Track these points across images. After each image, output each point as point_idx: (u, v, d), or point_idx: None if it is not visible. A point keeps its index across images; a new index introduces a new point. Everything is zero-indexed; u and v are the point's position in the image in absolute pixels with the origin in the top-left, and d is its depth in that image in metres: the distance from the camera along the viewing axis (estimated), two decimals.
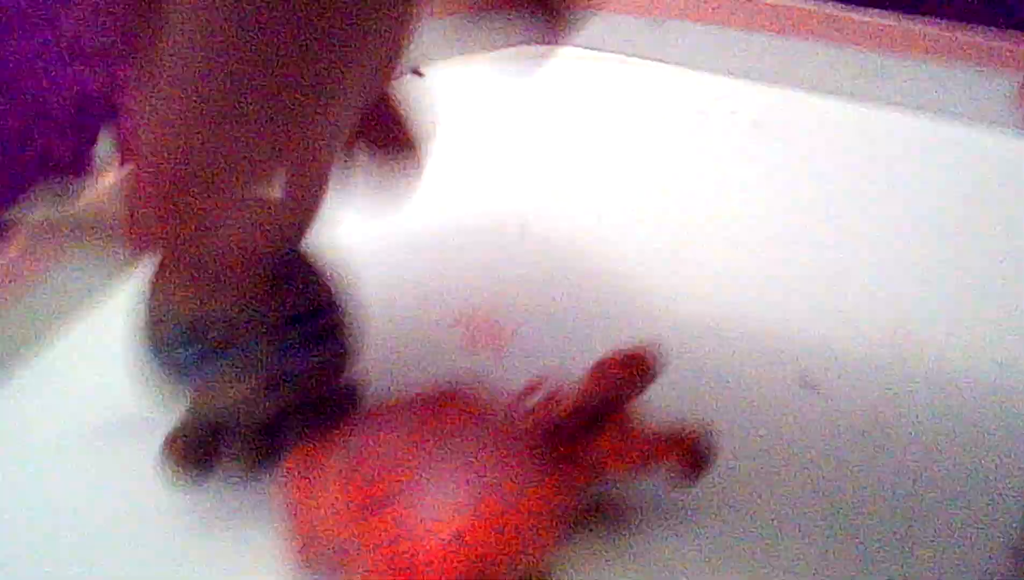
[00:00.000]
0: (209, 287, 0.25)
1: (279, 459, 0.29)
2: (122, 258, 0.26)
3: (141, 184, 0.20)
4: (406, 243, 0.29)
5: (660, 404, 0.25)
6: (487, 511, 0.22)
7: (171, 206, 0.20)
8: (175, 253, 0.22)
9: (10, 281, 0.34)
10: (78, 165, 0.39)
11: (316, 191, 0.24)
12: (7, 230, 0.35)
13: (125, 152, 0.34)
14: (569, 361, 0.26)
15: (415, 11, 0.20)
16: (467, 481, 0.23)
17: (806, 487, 0.28)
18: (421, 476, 0.23)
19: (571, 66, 0.49)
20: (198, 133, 0.18)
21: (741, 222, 0.38)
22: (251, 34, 0.17)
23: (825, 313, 0.34)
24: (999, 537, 0.26)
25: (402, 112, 0.24)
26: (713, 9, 0.46)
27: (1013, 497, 0.27)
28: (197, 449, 0.29)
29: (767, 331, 0.33)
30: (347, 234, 0.28)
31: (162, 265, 0.26)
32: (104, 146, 0.37)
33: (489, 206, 0.40)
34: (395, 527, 0.22)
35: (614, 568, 0.26)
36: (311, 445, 0.26)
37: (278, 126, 0.19)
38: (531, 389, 0.26)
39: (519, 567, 0.23)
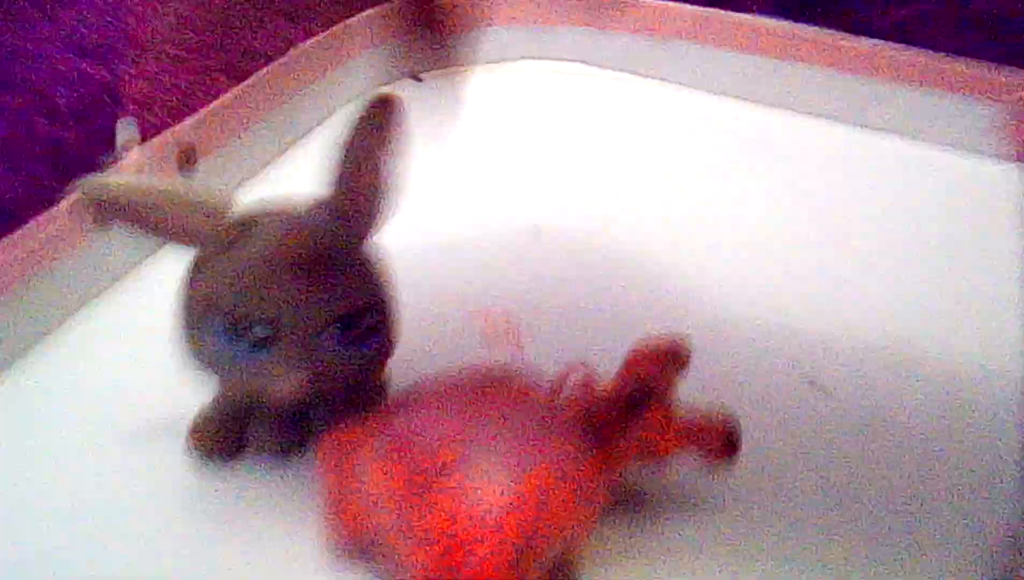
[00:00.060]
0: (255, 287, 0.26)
1: (306, 446, 0.30)
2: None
3: None
4: (424, 243, 0.30)
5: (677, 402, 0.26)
6: (533, 488, 0.23)
7: None
8: None
9: (31, 266, 0.34)
10: (85, 154, 0.40)
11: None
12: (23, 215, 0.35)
13: None
14: (583, 354, 0.27)
15: None
16: (513, 460, 0.23)
17: (814, 480, 0.29)
18: (467, 454, 0.23)
19: (575, 81, 0.50)
20: None
21: (737, 230, 0.40)
22: None
23: (825, 320, 0.35)
24: (997, 526, 0.27)
25: None
26: (712, 31, 0.48)
27: (1008, 488, 0.28)
28: (224, 435, 0.30)
29: (775, 334, 0.34)
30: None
31: (204, 257, 0.27)
32: (125, 131, 0.37)
33: (503, 210, 0.41)
34: (444, 502, 0.22)
35: (634, 552, 0.26)
36: (347, 429, 0.27)
37: None
38: (563, 378, 0.27)
39: (562, 543, 0.23)
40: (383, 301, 0.28)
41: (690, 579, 0.26)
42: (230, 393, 0.29)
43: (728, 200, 0.42)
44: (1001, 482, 0.29)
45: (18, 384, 0.33)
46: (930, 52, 0.44)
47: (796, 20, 0.46)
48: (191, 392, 0.30)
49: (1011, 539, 0.27)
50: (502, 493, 0.22)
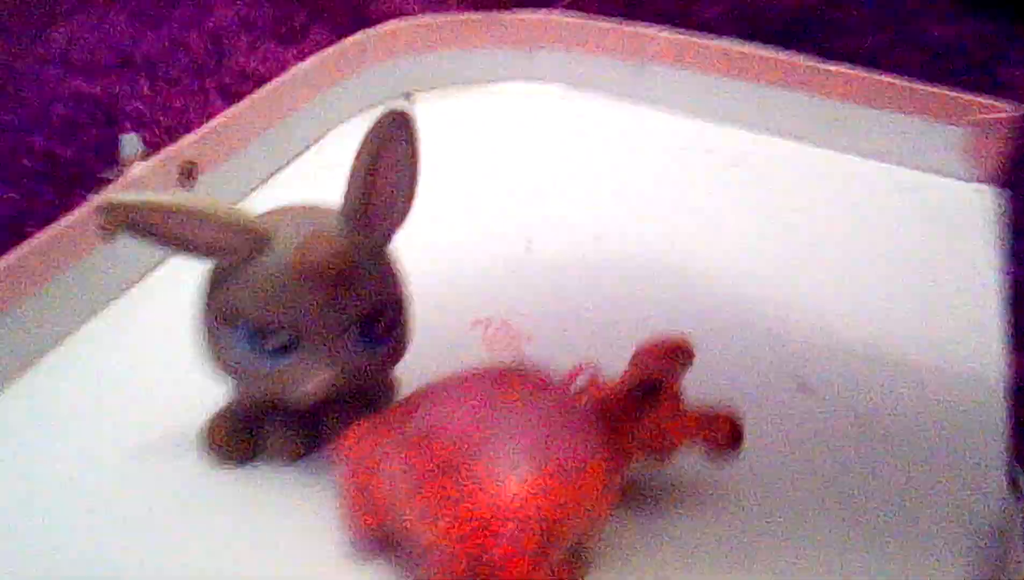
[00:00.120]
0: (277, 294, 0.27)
1: (319, 448, 0.30)
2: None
3: None
4: (423, 257, 0.31)
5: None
6: (552, 474, 0.24)
7: None
8: None
9: (42, 274, 0.34)
10: (81, 168, 0.40)
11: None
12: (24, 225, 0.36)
13: None
14: (581, 359, 0.29)
15: None
16: (532, 447, 0.24)
17: (804, 476, 0.30)
18: (488, 444, 0.24)
19: (560, 102, 0.52)
20: None
21: (721, 245, 0.41)
22: None
23: (810, 327, 0.37)
24: (980, 518, 0.29)
25: None
26: (694, 56, 0.50)
27: (987, 481, 0.30)
28: (239, 437, 0.30)
29: (763, 342, 0.36)
30: None
31: (224, 270, 0.27)
32: (128, 146, 0.38)
33: (497, 224, 0.42)
34: (468, 488, 0.23)
35: (638, 544, 0.28)
36: (364, 426, 0.27)
37: None
38: (573, 375, 0.28)
39: (580, 528, 0.24)
40: (399, 300, 0.29)
41: (690, 568, 0.27)
42: (247, 397, 0.30)
43: (710, 217, 0.43)
44: (980, 475, 0.30)
45: (34, 387, 0.33)
46: (900, 77, 0.46)
47: (774, 46, 0.48)
48: (205, 396, 0.31)
49: (996, 530, 0.28)
50: (524, 480, 0.23)
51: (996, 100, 0.44)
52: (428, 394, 0.27)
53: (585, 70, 0.52)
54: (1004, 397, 0.33)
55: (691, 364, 0.27)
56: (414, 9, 0.54)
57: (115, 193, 0.27)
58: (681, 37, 0.50)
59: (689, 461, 0.28)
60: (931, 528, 0.29)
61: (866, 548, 0.28)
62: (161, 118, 0.44)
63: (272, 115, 0.45)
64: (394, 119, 0.27)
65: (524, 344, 0.35)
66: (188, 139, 0.40)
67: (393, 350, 0.29)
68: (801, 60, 0.48)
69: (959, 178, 0.46)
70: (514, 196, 0.44)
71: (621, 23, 0.51)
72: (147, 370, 0.34)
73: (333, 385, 0.27)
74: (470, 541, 0.23)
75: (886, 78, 0.46)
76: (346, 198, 0.28)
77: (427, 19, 0.50)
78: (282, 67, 0.47)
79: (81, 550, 0.28)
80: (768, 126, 0.49)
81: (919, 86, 0.46)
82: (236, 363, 0.28)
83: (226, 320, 0.27)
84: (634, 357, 0.27)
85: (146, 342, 0.35)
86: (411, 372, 0.30)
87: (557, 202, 0.44)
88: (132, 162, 0.38)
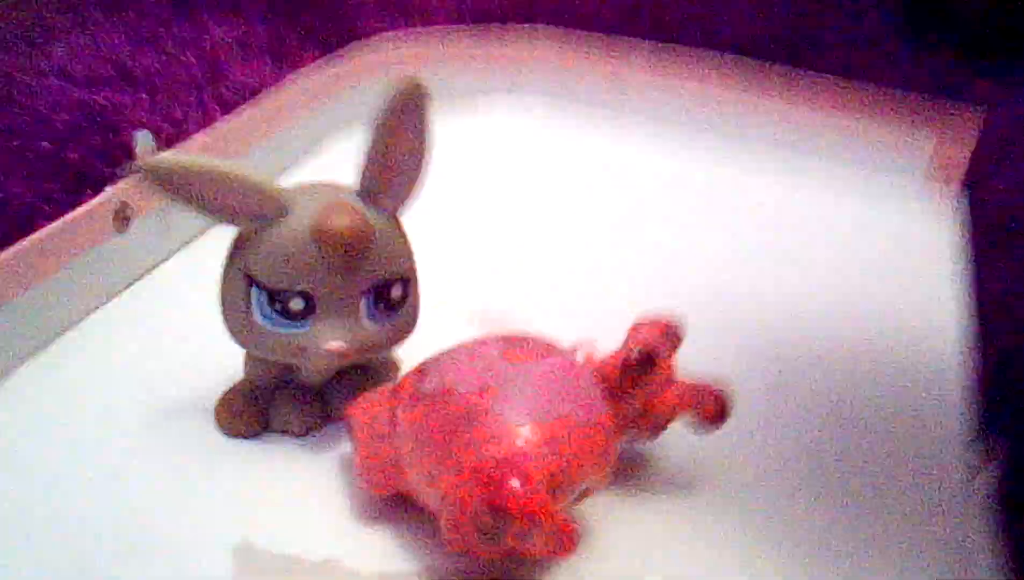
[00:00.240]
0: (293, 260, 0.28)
1: (326, 423, 0.32)
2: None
3: None
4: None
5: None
6: (562, 426, 0.26)
7: None
8: None
9: (59, 260, 0.36)
10: (87, 169, 0.42)
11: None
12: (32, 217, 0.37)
13: None
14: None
15: None
16: (542, 403, 0.26)
17: (784, 461, 0.32)
18: (501, 397, 0.26)
19: (541, 116, 0.54)
20: None
21: (697, 250, 0.43)
22: None
23: (786, 328, 0.39)
24: (938, 492, 0.31)
25: None
26: (671, 70, 0.52)
27: (945, 456, 0.32)
28: (249, 413, 0.32)
29: (744, 337, 0.38)
30: None
31: (245, 237, 0.29)
32: (143, 142, 0.40)
33: (487, 228, 0.44)
34: (483, 434, 0.25)
35: (629, 519, 0.30)
36: (375, 394, 0.29)
37: None
38: (574, 349, 0.30)
39: (585, 477, 0.26)
40: (409, 274, 0.30)
41: (673, 542, 0.29)
42: (259, 373, 0.32)
43: (688, 223, 0.46)
44: (939, 452, 0.33)
45: (53, 364, 0.35)
46: (871, 85, 0.48)
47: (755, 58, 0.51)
48: (217, 375, 0.32)
49: (953, 503, 0.30)
50: (535, 431, 0.25)
51: (959, 110, 0.47)
52: (440, 359, 0.29)
53: (567, 85, 0.54)
54: (965, 381, 0.35)
55: (681, 341, 0.29)
56: (402, 23, 0.56)
57: (152, 155, 0.29)
58: (659, 53, 0.52)
59: (676, 446, 0.30)
60: (897, 503, 0.31)
61: (838, 524, 0.30)
62: (161, 127, 0.46)
63: (269, 126, 0.47)
64: (408, 89, 0.28)
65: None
66: (187, 147, 0.42)
67: (403, 323, 0.31)
68: (773, 71, 0.50)
69: (922, 184, 0.48)
70: (499, 205, 0.46)
71: (603, 40, 0.53)
72: (161, 350, 0.36)
73: (344, 354, 0.29)
74: (485, 484, 0.24)
75: (855, 86, 0.49)
76: (361, 172, 0.29)
77: (414, 34, 0.52)
78: (276, 83, 0.49)
79: (98, 515, 0.29)
80: (743, 135, 0.51)
81: (885, 95, 0.48)
82: (253, 327, 0.29)
83: (245, 284, 0.29)
84: (631, 330, 0.29)
85: (160, 325, 0.37)
86: (411, 363, 0.31)
87: (542, 212, 0.46)
88: (147, 157, 0.39)
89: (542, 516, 0.24)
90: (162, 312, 0.38)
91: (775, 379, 0.36)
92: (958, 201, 0.47)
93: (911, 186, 0.49)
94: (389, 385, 0.29)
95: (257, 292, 0.29)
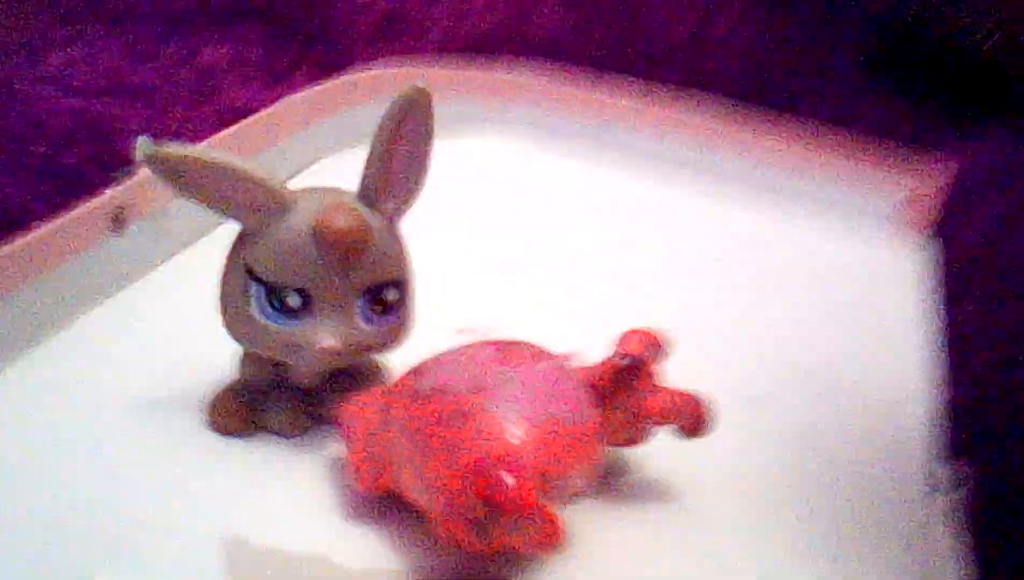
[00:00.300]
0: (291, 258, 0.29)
1: (319, 422, 0.32)
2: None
3: None
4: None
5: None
6: (552, 427, 0.26)
7: None
8: None
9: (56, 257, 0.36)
10: (81, 173, 0.42)
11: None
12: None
13: None
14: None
15: None
16: (534, 404, 0.27)
17: (754, 476, 0.33)
18: (494, 397, 0.27)
19: (525, 155, 0.55)
20: None
21: (674, 290, 0.44)
22: None
23: (761, 356, 0.40)
24: (902, 509, 0.32)
25: None
26: (652, 118, 0.54)
27: (911, 483, 0.33)
28: (241, 413, 0.32)
29: (720, 365, 0.39)
30: None
31: (247, 232, 0.30)
32: (144, 145, 0.40)
33: (465, 250, 0.45)
34: (476, 432, 0.26)
35: (610, 528, 0.30)
36: (368, 395, 0.30)
37: None
38: (564, 357, 0.31)
39: (572, 476, 0.27)
40: (405, 278, 0.31)
41: (652, 550, 0.30)
42: (252, 373, 0.32)
43: (664, 264, 0.47)
44: (901, 476, 0.34)
45: (44, 362, 0.35)
46: (845, 130, 0.50)
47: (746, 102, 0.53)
48: (210, 375, 0.33)
49: (917, 522, 0.31)
50: (527, 431, 0.26)
51: (926, 168, 0.49)
52: (434, 361, 0.29)
53: (551, 125, 0.55)
54: (929, 408, 0.36)
55: (666, 351, 0.30)
56: (394, 50, 0.57)
57: (159, 144, 0.29)
58: (641, 101, 0.54)
59: (656, 460, 0.31)
60: (867, 521, 0.32)
61: (807, 538, 0.31)
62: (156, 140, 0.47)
63: (261, 144, 0.48)
64: (412, 96, 0.29)
65: None
66: None
67: (397, 327, 0.31)
68: (753, 113, 0.52)
69: (891, 236, 0.50)
70: (482, 228, 0.47)
71: (588, 83, 0.55)
72: (154, 350, 0.36)
73: (338, 353, 0.30)
74: (477, 477, 0.25)
75: (829, 140, 0.51)
76: (363, 175, 0.30)
77: (405, 70, 0.54)
78: (271, 103, 0.50)
79: (87, 512, 0.29)
80: (720, 184, 0.53)
81: (859, 153, 0.50)
82: (249, 321, 0.30)
83: (245, 277, 0.30)
84: (619, 340, 0.30)
85: (153, 326, 0.37)
86: (401, 370, 0.32)
87: (523, 236, 0.47)
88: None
89: (532, 509, 0.25)
90: (155, 313, 0.38)
91: (752, 399, 0.37)
92: (928, 245, 0.49)
93: (882, 229, 0.50)
94: (382, 386, 0.30)
95: (255, 286, 0.29)
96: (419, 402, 0.27)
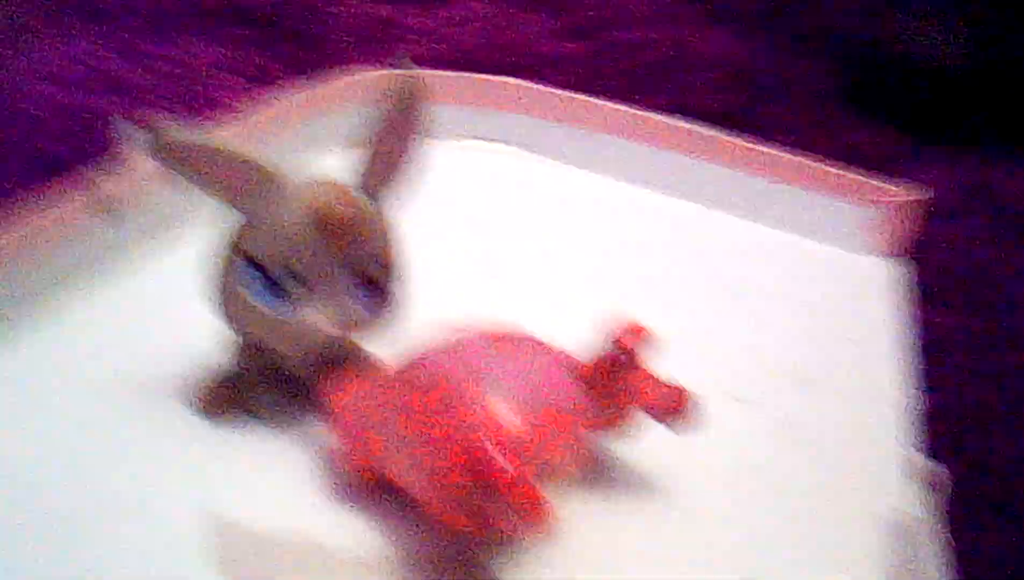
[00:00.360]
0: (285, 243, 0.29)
1: (306, 410, 0.33)
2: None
3: None
4: None
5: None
6: (542, 412, 0.27)
7: None
8: None
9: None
10: (70, 164, 0.43)
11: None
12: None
13: None
14: None
15: None
16: (525, 389, 0.27)
17: (742, 469, 0.34)
18: (486, 378, 0.27)
19: (507, 164, 0.56)
20: None
21: (655, 297, 0.45)
22: None
23: (741, 358, 0.41)
24: (886, 503, 0.33)
25: None
26: (637, 130, 0.54)
27: (889, 474, 0.34)
28: (229, 398, 0.33)
29: (702, 364, 0.39)
30: None
31: (240, 213, 0.30)
32: (127, 131, 0.40)
33: (463, 250, 0.45)
34: (468, 411, 0.26)
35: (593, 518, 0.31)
36: (356, 379, 0.30)
37: None
38: (554, 346, 0.31)
39: (558, 457, 0.27)
40: (396, 263, 0.32)
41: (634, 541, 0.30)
42: (241, 357, 0.32)
43: (647, 275, 0.47)
44: (883, 473, 0.34)
45: (30, 340, 0.35)
46: (819, 159, 0.52)
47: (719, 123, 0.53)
48: (197, 361, 0.33)
49: (898, 524, 0.32)
50: (514, 412, 0.26)
51: (899, 187, 0.50)
52: (425, 349, 0.30)
53: (536, 135, 0.56)
54: (903, 412, 0.37)
55: (653, 344, 0.31)
56: (381, 60, 0.58)
57: (159, 123, 0.29)
58: (627, 112, 0.55)
59: (644, 453, 0.32)
60: (839, 515, 0.33)
61: (791, 529, 0.32)
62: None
63: (246, 143, 0.48)
64: (407, 83, 0.30)
65: None
66: None
67: (387, 309, 0.32)
68: (734, 140, 0.53)
69: (863, 250, 0.51)
70: (469, 240, 0.48)
71: (572, 99, 0.56)
72: (144, 333, 0.36)
73: (329, 334, 0.30)
74: (470, 462, 0.25)
75: (807, 161, 0.52)
76: (356, 160, 0.31)
77: (392, 73, 0.54)
78: (257, 104, 0.50)
79: (69, 491, 0.29)
80: (700, 197, 0.53)
81: (834, 170, 0.51)
82: (240, 303, 0.30)
83: (236, 258, 0.30)
84: (607, 332, 0.31)
85: (140, 309, 0.38)
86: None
87: (502, 257, 0.47)
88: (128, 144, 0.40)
89: (524, 490, 0.25)
90: (142, 297, 0.38)
91: (736, 398, 0.37)
92: (900, 259, 0.50)
93: (855, 243, 0.51)
94: (370, 372, 0.30)
95: (250, 270, 0.30)
96: (410, 386, 0.28)
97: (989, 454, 0.35)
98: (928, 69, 0.65)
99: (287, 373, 0.32)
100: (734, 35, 0.74)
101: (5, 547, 0.27)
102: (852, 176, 0.51)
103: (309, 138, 0.52)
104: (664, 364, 0.31)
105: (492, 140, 0.57)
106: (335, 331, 0.30)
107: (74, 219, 0.38)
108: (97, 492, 0.29)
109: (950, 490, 0.33)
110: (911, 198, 0.50)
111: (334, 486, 0.30)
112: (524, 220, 0.51)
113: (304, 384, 0.32)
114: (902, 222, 0.50)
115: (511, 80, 0.56)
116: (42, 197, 0.37)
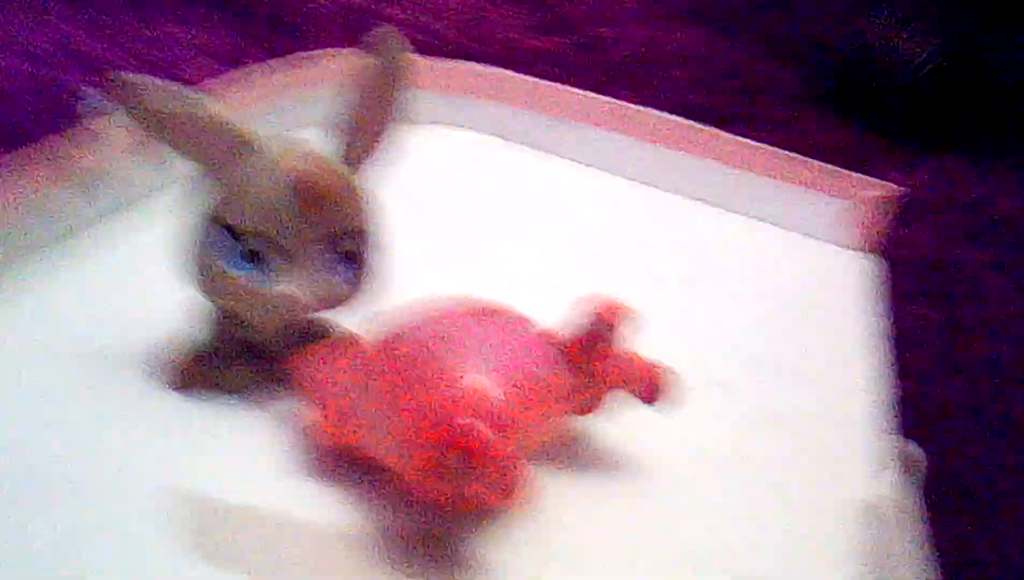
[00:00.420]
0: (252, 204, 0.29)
1: (275, 382, 0.32)
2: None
3: None
4: None
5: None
6: (519, 382, 0.27)
7: None
8: None
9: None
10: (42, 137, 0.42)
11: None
12: None
13: None
14: None
15: None
16: (502, 359, 0.27)
17: (719, 453, 0.34)
18: (462, 347, 0.27)
19: (486, 152, 0.56)
20: None
21: (630, 285, 0.45)
22: None
23: (718, 343, 0.41)
24: (857, 493, 0.33)
25: None
26: (608, 118, 0.54)
27: (862, 460, 0.34)
28: (200, 365, 0.32)
29: (682, 350, 0.39)
30: None
31: (213, 178, 0.30)
32: (93, 100, 0.40)
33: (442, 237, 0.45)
34: (443, 379, 0.26)
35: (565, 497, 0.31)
36: (325, 349, 0.30)
37: None
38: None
39: (533, 429, 0.27)
40: (370, 230, 0.31)
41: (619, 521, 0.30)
42: (211, 328, 0.32)
43: (623, 263, 0.47)
44: (856, 459, 0.35)
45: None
46: (796, 154, 0.52)
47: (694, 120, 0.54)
48: (165, 332, 0.32)
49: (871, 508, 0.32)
50: (490, 381, 0.26)
51: (871, 180, 0.51)
52: (401, 314, 0.29)
53: (505, 121, 0.56)
54: (874, 398, 0.38)
55: (629, 319, 0.31)
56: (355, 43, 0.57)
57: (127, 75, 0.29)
58: (606, 102, 0.55)
59: (622, 434, 0.32)
60: (812, 497, 0.33)
61: (766, 512, 0.32)
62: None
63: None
64: (386, 54, 0.30)
65: None
66: None
67: (361, 279, 0.31)
68: (707, 130, 0.53)
69: (838, 244, 0.51)
70: (435, 232, 0.47)
71: (545, 87, 0.55)
72: (111, 302, 0.36)
73: (300, 302, 0.29)
74: (440, 422, 0.25)
75: (782, 152, 0.52)
76: (333, 127, 0.30)
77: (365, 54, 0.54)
78: (227, 82, 0.49)
79: (30, 460, 0.29)
80: (680, 189, 0.53)
81: (809, 162, 0.51)
82: (214, 273, 0.29)
83: (209, 224, 0.29)
84: (587, 310, 0.30)
85: (109, 277, 0.37)
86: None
87: (468, 243, 0.47)
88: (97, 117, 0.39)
89: (502, 457, 0.25)
90: (113, 270, 0.38)
91: (715, 383, 0.37)
92: (872, 254, 0.50)
93: (830, 237, 0.51)
94: (343, 342, 0.30)
95: (222, 236, 0.29)
96: (385, 357, 0.27)
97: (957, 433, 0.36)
98: (900, 72, 0.66)
99: (261, 347, 0.32)
100: (710, 35, 0.74)
101: None
102: (828, 169, 0.51)
103: (285, 118, 0.51)
104: (640, 348, 0.31)
105: (470, 128, 0.57)
106: (310, 302, 0.29)
107: (43, 191, 0.37)
108: (65, 465, 0.29)
109: (924, 469, 0.33)
110: (883, 194, 0.50)
111: (308, 460, 0.30)
112: (503, 207, 0.51)
113: (278, 358, 0.32)
114: (875, 217, 0.50)
115: (491, 68, 0.56)
116: (10, 169, 0.37)
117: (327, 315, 0.32)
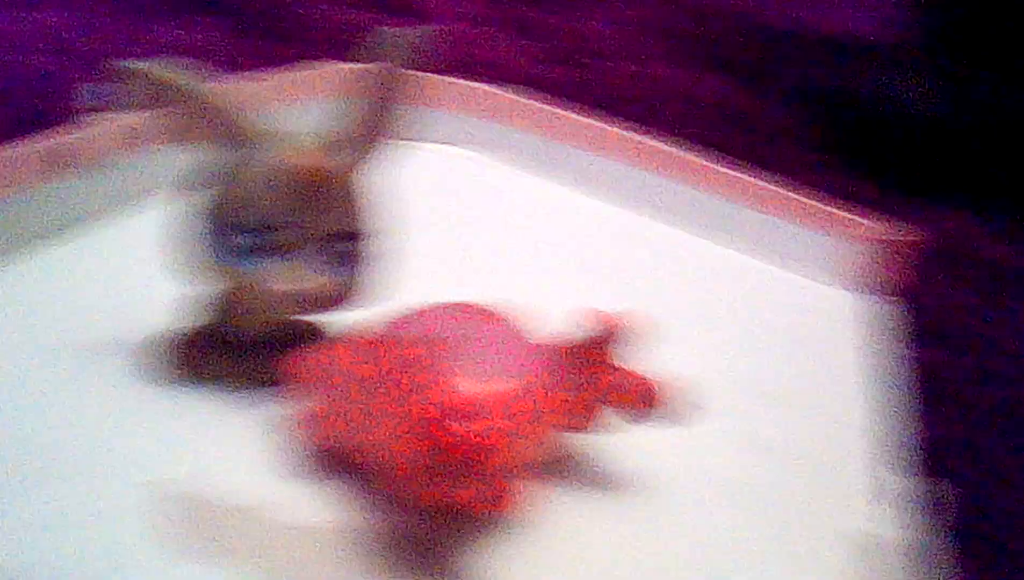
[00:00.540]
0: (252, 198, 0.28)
1: (266, 379, 0.31)
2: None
3: None
4: None
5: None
6: (511, 387, 0.26)
7: None
8: None
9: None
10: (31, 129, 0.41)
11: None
12: None
13: None
14: None
15: None
16: (494, 363, 0.26)
17: (701, 478, 0.33)
18: (454, 350, 0.26)
19: (465, 167, 0.55)
20: None
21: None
22: None
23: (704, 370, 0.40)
24: (844, 520, 0.33)
25: None
26: (597, 141, 0.54)
27: (855, 495, 0.34)
28: (187, 358, 0.32)
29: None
30: None
31: (211, 169, 0.29)
32: (93, 94, 0.39)
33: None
34: (434, 383, 0.25)
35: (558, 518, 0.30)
36: (317, 348, 0.29)
37: None
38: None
39: (522, 439, 0.26)
40: (368, 229, 0.31)
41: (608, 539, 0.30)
42: (199, 321, 0.31)
43: (606, 288, 0.46)
44: (852, 489, 0.34)
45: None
46: (787, 186, 0.52)
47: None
48: (152, 324, 0.32)
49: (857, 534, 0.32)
50: (481, 386, 0.26)
51: (862, 218, 0.50)
52: (392, 315, 0.29)
53: (497, 142, 0.55)
54: (869, 431, 0.38)
55: (625, 333, 0.30)
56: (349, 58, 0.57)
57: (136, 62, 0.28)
58: (590, 123, 0.54)
59: (617, 453, 0.32)
60: (803, 527, 0.32)
61: (761, 537, 0.31)
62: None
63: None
64: (388, 54, 0.29)
65: None
66: None
67: (356, 279, 0.30)
68: (699, 159, 0.53)
69: (826, 283, 0.51)
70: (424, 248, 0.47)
71: (540, 109, 0.55)
72: (99, 292, 0.35)
73: (292, 297, 0.29)
74: (430, 426, 0.24)
75: (772, 186, 0.52)
76: (332, 125, 0.30)
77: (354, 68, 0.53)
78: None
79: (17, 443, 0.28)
80: (662, 215, 0.53)
81: (799, 197, 0.51)
82: (208, 261, 0.29)
83: (204, 221, 0.29)
84: (581, 320, 0.30)
85: (99, 267, 0.37)
86: None
87: (452, 260, 0.46)
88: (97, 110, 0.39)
89: (485, 461, 0.24)
90: (103, 260, 0.37)
91: (711, 408, 0.36)
92: (855, 302, 0.50)
93: (813, 284, 0.51)
94: (333, 341, 0.29)
95: (215, 225, 0.29)
96: (374, 356, 0.27)
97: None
98: (904, 121, 0.67)
99: (250, 341, 0.31)
100: (729, 81, 0.75)
101: None
102: (831, 211, 0.51)
103: (282, 122, 0.51)
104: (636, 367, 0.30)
105: (469, 145, 0.56)
106: (305, 299, 0.29)
107: (32, 181, 0.36)
108: (45, 454, 0.28)
109: (954, 506, 0.33)
110: (887, 237, 0.50)
111: (298, 459, 0.29)
112: (499, 223, 0.50)
113: (266, 353, 0.31)
114: (878, 259, 0.50)
115: (495, 88, 0.56)
116: (4, 162, 0.36)
117: (321, 316, 0.31)
